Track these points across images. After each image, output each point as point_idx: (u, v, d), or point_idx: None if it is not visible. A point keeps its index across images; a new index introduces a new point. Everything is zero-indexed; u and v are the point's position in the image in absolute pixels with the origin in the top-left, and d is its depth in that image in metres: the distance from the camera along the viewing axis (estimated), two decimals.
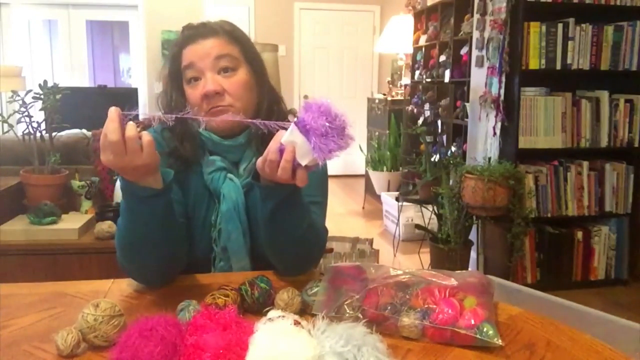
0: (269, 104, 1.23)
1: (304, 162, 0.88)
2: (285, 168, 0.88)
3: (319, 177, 1.22)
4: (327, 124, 0.85)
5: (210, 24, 1.19)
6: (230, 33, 1.18)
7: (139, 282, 1.07)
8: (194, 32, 1.17)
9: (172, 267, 1.08)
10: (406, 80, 5.47)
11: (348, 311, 0.90)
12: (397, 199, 4.04)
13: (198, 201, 1.19)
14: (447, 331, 0.85)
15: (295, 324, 0.75)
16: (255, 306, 0.93)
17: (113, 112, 0.90)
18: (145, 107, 6.11)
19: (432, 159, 3.68)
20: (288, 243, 1.06)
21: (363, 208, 5.35)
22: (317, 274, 1.16)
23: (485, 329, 0.85)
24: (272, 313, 0.79)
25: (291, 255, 1.09)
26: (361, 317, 0.89)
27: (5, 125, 2.49)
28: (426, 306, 0.89)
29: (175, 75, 1.18)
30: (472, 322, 0.85)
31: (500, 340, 0.84)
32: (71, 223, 2.25)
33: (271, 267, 1.13)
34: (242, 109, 1.14)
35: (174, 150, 1.18)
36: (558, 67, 3.04)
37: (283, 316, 0.78)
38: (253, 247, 1.18)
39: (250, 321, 0.78)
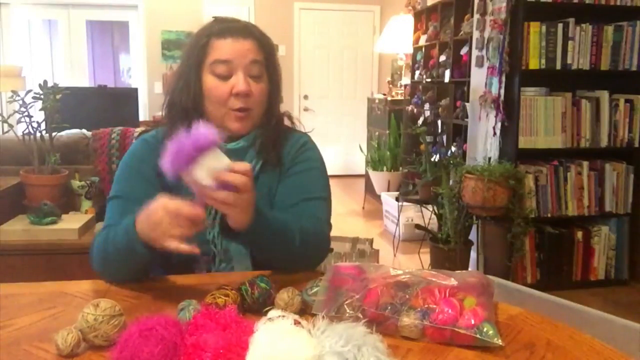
0: (277, 116, 1.26)
1: (204, 182, 0.90)
2: (213, 202, 0.93)
3: (317, 174, 1.25)
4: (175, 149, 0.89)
5: (244, 22, 1.21)
6: (260, 39, 1.20)
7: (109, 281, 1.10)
8: (229, 27, 1.18)
9: (147, 272, 1.12)
10: (406, 80, 5.47)
11: (348, 311, 0.90)
12: (397, 199, 4.04)
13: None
14: (447, 331, 0.85)
15: (295, 323, 0.75)
16: (256, 306, 0.93)
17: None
18: (145, 107, 6.11)
19: (432, 159, 3.68)
20: (286, 254, 1.11)
21: (363, 208, 5.36)
22: (318, 274, 1.16)
23: (485, 329, 0.85)
24: (272, 313, 0.80)
25: (295, 261, 1.13)
26: (361, 317, 0.89)
27: (5, 125, 2.49)
28: (426, 306, 0.89)
29: (199, 64, 1.17)
30: (472, 322, 0.85)
31: (500, 340, 0.84)
32: (71, 223, 2.25)
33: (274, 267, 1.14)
34: (257, 115, 1.20)
35: None
36: (558, 67, 3.04)
37: (283, 316, 0.78)
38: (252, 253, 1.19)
39: (251, 321, 0.78)
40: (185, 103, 1.18)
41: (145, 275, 1.11)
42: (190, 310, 0.86)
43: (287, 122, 1.33)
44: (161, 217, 0.93)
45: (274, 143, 1.23)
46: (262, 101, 1.20)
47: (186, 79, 1.18)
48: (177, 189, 1.17)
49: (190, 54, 1.18)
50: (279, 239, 1.08)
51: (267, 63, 1.20)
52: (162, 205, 0.94)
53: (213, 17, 1.22)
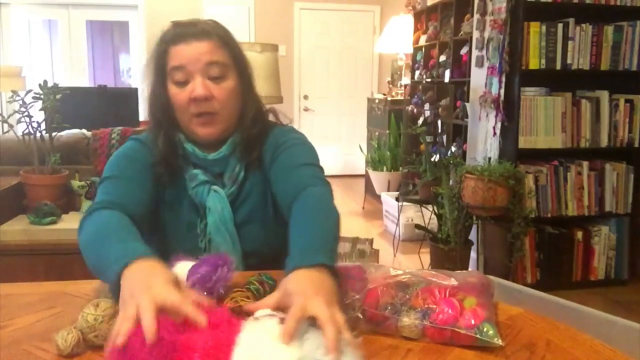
0: (254, 114, 1.21)
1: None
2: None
3: (300, 148, 1.20)
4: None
5: (202, 24, 1.16)
6: (222, 37, 1.16)
7: None
8: (185, 31, 1.14)
9: None
10: (406, 80, 5.47)
11: (350, 312, 0.90)
12: (397, 199, 4.04)
13: (179, 213, 1.19)
14: (447, 331, 0.85)
15: (281, 322, 0.75)
16: None
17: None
18: (145, 107, 6.11)
19: (432, 159, 3.68)
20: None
21: (363, 208, 5.35)
22: None
23: (485, 329, 0.85)
24: (260, 312, 0.79)
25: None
26: (361, 317, 0.89)
27: (5, 125, 2.49)
28: (426, 306, 0.89)
29: (161, 73, 1.15)
30: (472, 322, 0.85)
31: (500, 340, 0.84)
32: (71, 223, 2.25)
33: (263, 268, 1.11)
34: (227, 117, 1.16)
35: (162, 160, 1.17)
36: (558, 67, 3.04)
37: (272, 314, 0.77)
38: (245, 255, 1.18)
39: (242, 319, 0.78)
40: (157, 114, 1.17)
41: None
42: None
43: (277, 119, 1.31)
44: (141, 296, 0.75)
45: (254, 146, 1.20)
46: (229, 101, 1.15)
47: (153, 89, 1.17)
48: (170, 193, 1.19)
49: (153, 64, 1.16)
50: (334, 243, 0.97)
51: (234, 61, 1.16)
52: (159, 290, 0.76)
53: (171, 22, 1.19)
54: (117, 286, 0.81)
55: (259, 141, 1.21)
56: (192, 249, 1.14)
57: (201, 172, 1.18)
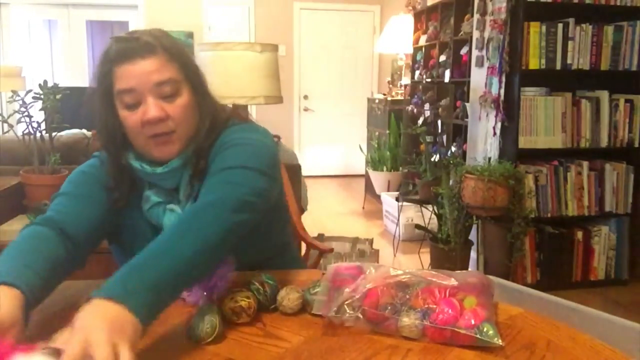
0: (210, 123, 1.12)
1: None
2: None
3: (247, 149, 1.08)
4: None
5: (145, 37, 1.07)
6: (168, 50, 1.07)
7: None
8: (127, 47, 1.05)
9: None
10: (406, 80, 5.47)
11: (348, 311, 0.90)
12: (397, 199, 4.04)
13: (140, 236, 1.12)
14: (447, 331, 0.85)
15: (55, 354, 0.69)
16: (267, 303, 0.95)
17: None
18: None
19: (432, 159, 3.68)
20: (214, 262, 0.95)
21: (363, 208, 5.35)
22: (319, 273, 1.16)
23: (485, 329, 0.85)
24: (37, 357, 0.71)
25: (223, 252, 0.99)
26: (361, 317, 0.89)
27: (5, 125, 2.49)
28: (426, 306, 0.89)
29: (108, 96, 1.07)
30: (472, 322, 0.85)
31: (500, 340, 0.84)
32: None
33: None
34: (185, 133, 1.09)
35: (116, 185, 1.12)
36: (558, 67, 3.04)
37: (49, 349, 0.71)
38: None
39: (29, 348, 0.72)
40: (104, 140, 1.11)
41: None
42: (206, 321, 0.85)
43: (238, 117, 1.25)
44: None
45: (202, 154, 1.10)
46: (186, 117, 1.08)
47: (100, 111, 1.09)
48: (124, 216, 1.13)
49: (97, 85, 1.08)
50: (187, 271, 0.87)
51: (185, 74, 1.09)
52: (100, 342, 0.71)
53: (111, 38, 1.09)
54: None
55: (207, 149, 1.11)
56: None
57: (153, 192, 1.12)
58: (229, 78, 2.31)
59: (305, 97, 6.90)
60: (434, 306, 0.88)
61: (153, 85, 1.04)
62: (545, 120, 3.09)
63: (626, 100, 3.17)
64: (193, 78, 1.11)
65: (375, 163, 5.31)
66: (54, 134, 2.42)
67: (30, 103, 2.32)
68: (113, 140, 1.10)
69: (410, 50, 5.09)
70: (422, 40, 4.77)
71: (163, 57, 1.06)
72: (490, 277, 1.02)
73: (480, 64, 3.32)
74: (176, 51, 1.09)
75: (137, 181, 1.14)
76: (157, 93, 1.05)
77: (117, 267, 1.13)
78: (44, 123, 2.38)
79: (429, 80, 4.58)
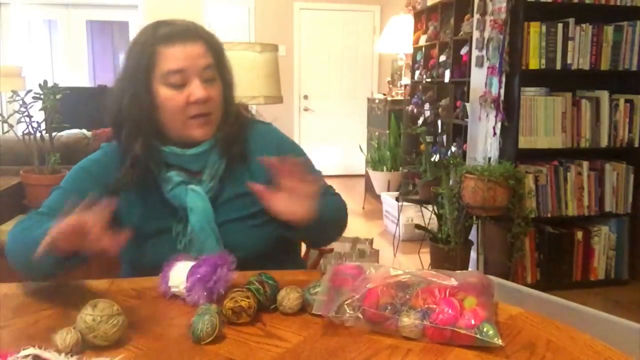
0: (235, 115, 1.23)
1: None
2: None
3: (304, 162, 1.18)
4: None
5: (188, 25, 1.15)
6: (209, 40, 1.16)
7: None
8: (175, 31, 1.12)
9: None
10: (406, 80, 5.47)
11: (348, 311, 0.90)
12: (397, 199, 4.04)
13: (156, 216, 1.16)
14: (447, 331, 0.85)
15: None
16: (268, 303, 0.95)
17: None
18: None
19: (432, 159, 3.68)
20: (325, 234, 1.27)
21: (363, 208, 5.35)
22: (318, 273, 1.16)
23: (485, 329, 0.84)
24: (23, 352, 0.74)
25: (331, 236, 1.32)
26: (361, 317, 0.89)
27: (5, 125, 2.49)
28: (426, 306, 0.89)
29: (147, 76, 1.11)
30: (472, 322, 0.85)
31: (500, 340, 0.84)
32: None
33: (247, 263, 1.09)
34: (217, 117, 1.17)
35: (137, 165, 1.14)
36: (558, 67, 3.04)
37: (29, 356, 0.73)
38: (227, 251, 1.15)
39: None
40: (138, 116, 1.12)
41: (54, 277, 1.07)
42: (206, 321, 0.85)
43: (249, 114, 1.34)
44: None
45: (235, 140, 1.20)
46: (220, 103, 1.17)
47: (134, 92, 1.12)
48: (139, 198, 1.16)
49: (136, 64, 1.12)
50: (334, 219, 1.23)
51: (218, 63, 1.17)
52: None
53: (151, 23, 1.17)
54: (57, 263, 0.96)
55: (240, 137, 1.21)
56: (166, 252, 1.08)
57: (175, 173, 1.15)
58: None
59: (305, 97, 6.90)
60: (434, 306, 0.88)
61: (200, 68, 1.11)
62: (545, 120, 3.09)
63: (626, 100, 3.17)
64: (224, 69, 1.19)
65: (375, 163, 5.31)
66: (53, 134, 2.42)
67: (30, 103, 2.32)
68: (147, 121, 1.13)
69: (410, 50, 5.09)
70: (422, 40, 4.77)
71: (206, 45, 1.14)
72: (490, 277, 1.02)
73: (480, 64, 3.32)
74: (214, 42, 1.17)
75: (154, 166, 1.16)
76: (202, 76, 1.12)
77: (116, 269, 1.14)
78: (44, 123, 2.38)
79: (429, 80, 4.58)
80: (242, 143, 1.20)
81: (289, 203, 1.04)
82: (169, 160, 1.16)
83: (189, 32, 1.13)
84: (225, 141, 1.18)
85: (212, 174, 1.16)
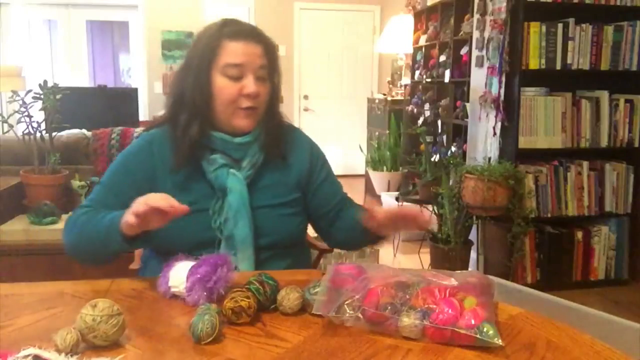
0: (276, 117, 1.34)
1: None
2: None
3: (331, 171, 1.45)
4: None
5: (254, 28, 1.29)
6: (267, 44, 1.27)
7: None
8: (241, 29, 1.25)
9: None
10: (406, 80, 5.47)
11: (348, 311, 0.90)
12: (397, 199, 4.04)
13: (200, 196, 1.26)
14: (447, 331, 0.85)
15: None
16: (267, 303, 0.96)
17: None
18: (145, 107, 6.11)
19: (432, 159, 3.68)
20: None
21: None
22: (318, 274, 1.16)
23: (485, 329, 0.85)
24: (23, 352, 0.75)
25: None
26: (361, 317, 0.89)
27: (5, 125, 2.49)
28: (426, 306, 0.89)
29: (209, 64, 1.23)
30: (472, 322, 0.85)
31: (500, 340, 0.84)
32: None
33: (273, 258, 1.25)
34: (260, 113, 1.29)
35: (189, 146, 1.24)
36: (558, 67, 3.04)
37: (29, 355, 0.74)
38: (256, 237, 1.25)
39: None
40: (199, 101, 1.24)
41: (109, 261, 1.19)
42: (206, 321, 0.85)
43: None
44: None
45: (277, 140, 1.32)
46: (265, 101, 1.28)
47: (196, 77, 1.24)
48: (180, 175, 1.26)
49: (201, 54, 1.24)
50: None
51: (270, 67, 1.28)
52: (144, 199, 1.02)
53: (220, 20, 1.29)
54: (124, 242, 1.07)
55: (281, 139, 1.34)
56: (200, 231, 1.22)
57: (220, 156, 1.26)
58: None
59: (305, 97, 6.90)
60: (434, 306, 0.88)
61: (256, 66, 1.24)
62: (545, 120, 3.09)
63: (626, 100, 3.17)
64: (274, 73, 1.31)
65: (375, 163, 5.30)
66: (54, 134, 2.42)
67: (30, 103, 2.32)
68: (205, 105, 1.24)
69: (410, 50, 5.09)
70: (422, 40, 4.77)
71: (265, 47, 1.26)
72: (490, 277, 1.02)
73: (480, 64, 3.32)
74: (271, 48, 1.29)
75: (200, 149, 1.26)
76: (256, 74, 1.24)
77: (116, 269, 1.15)
78: (44, 123, 2.38)
79: (429, 80, 4.58)
80: (282, 142, 1.33)
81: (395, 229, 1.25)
82: (215, 145, 1.26)
83: (253, 33, 1.25)
84: (268, 137, 1.30)
85: (251, 163, 1.28)
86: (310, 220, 1.40)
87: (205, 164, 1.26)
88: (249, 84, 1.22)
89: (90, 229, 1.15)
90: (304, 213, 1.35)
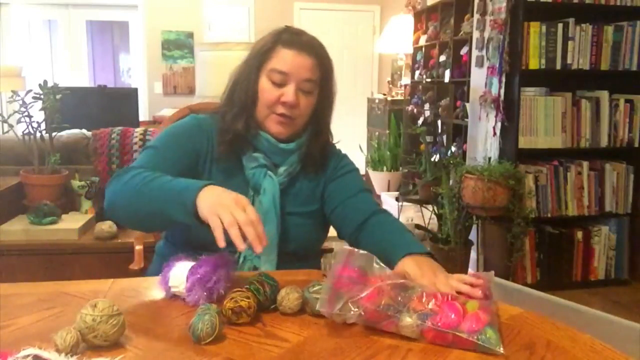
0: (325, 130, 1.36)
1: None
2: None
3: (357, 174, 1.41)
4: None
5: (311, 38, 1.30)
6: (321, 58, 1.29)
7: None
8: (297, 39, 1.27)
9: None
10: (406, 80, 5.47)
11: (353, 308, 0.89)
12: (397, 199, 4.04)
13: (236, 190, 1.24)
14: (449, 335, 0.85)
15: None
16: (267, 302, 0.95)
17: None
18: (145, 107, 6.10)
19: (432, 159, 3.68)
20: None
21: None
22: (318, 274, 1.16)
23: (487, 335, 0.84)
24: (23, 352, 0.74)
25: None
26: (363, 314, 0.89)
27: (5, 125, 2.49)
28: (428, 309, 0.88)
29: (259, 65, 1.27)
30: (474, 326, 0.85)
31: (501, 349, 0.82)
32: (71, 223, 2.25)
33: (292, 264, 1.23)
34: (298, 124, 1.30)
35: (233, 139, 1.27)
36: (558, 67, 3.04)
37: (29, 355, 0.73)
38: (281, 242, 1.26)
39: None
40: (244, 98, 1.28)
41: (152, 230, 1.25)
42: (206, 321, 0.85)
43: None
44: (235, 206, 0.99)
45: (320, 155, 1.35)
46: (307, 114, 1.30)
47: (247, 76, 1.28)
48: (228, 173, 1.29)
49: (256, 54, 1.28)
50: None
51: (321, 82, 1.30)
52: (246, 201, 1.02)
53: (285, 26, 1.31)
54: (192, 208, 1.02)
55: (324, 154, 1.36)
56: None
57: (262, 156, 1.29)
58: None
59: None
60: (436, 309, 0.88)
61: (301, 78, 1.25)
62: (545, 120, 3.09)
63: (626, 100, 3.17)
64: (326, 90, 1.33)
65: (375, 163, 5.30)
66: (54, 134, 2.42)
67: (30, 103, 2.32)
68: (251, 103, 1.28)
69: (410, 50, 5.09)
70: (422, 40, 4.77)
71: (316, 61, 1.27)
72: (488, 273, 1.02)
73: (480, 64, 3.32)
74: (326, 63, 1.31)
75: (243, 145, 1.29)
76: (300, 85, 1.26)
77: (116, 269, 1.14)
78: (44, 123, 2.38)
79: (429, 80, 4.58)
80: (321, 159, 1.35)
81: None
82: (260, 144, 1.30)
83: (307, 45, 1.27)
84: (309, 150, 1.33)
85: (288, 171, 1.31)
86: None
87: (245, 160, 1.29)
88: (289, 93, 1.24)
89: (155, 186, 1.10)
90: (327, 224, 1.38)
